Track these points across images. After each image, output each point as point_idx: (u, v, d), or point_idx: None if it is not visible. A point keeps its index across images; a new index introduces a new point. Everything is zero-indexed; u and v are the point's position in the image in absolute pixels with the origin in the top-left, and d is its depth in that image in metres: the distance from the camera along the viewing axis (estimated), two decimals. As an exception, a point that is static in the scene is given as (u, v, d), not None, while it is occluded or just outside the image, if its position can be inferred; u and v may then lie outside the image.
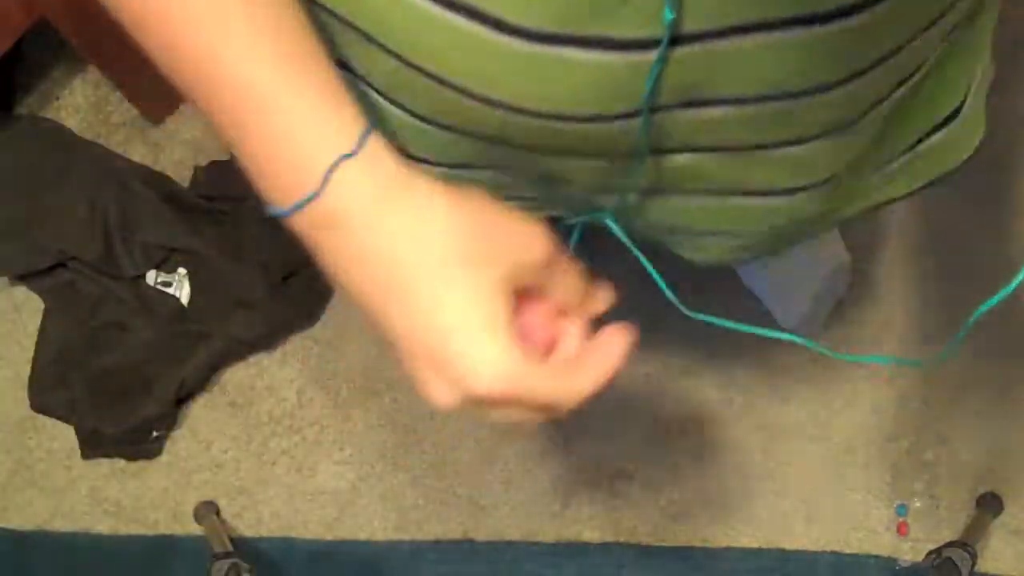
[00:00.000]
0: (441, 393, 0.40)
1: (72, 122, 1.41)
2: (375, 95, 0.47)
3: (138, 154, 1.39)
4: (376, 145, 0.39)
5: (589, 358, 0.42)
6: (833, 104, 0.43)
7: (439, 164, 0.50)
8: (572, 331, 0.44)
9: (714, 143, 0.45)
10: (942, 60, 0.50)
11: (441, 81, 0.42)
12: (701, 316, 0.49)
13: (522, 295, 0.41)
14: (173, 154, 1.40)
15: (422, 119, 0.47)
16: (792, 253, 1.22)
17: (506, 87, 0.40)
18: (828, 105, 0.43)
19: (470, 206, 0.39)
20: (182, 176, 1.37)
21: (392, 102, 0.47)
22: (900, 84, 0.46)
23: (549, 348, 0.43)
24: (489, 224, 0.39)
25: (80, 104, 1.42)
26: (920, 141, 0.55)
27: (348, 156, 0.38)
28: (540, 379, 0.39)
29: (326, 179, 0.39)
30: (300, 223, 0.41)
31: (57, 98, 1.43)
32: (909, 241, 1.32)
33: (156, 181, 1.35)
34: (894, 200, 0.59)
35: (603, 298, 0.45)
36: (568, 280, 0.42)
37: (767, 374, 1.27)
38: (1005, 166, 1.33)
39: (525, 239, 0.40)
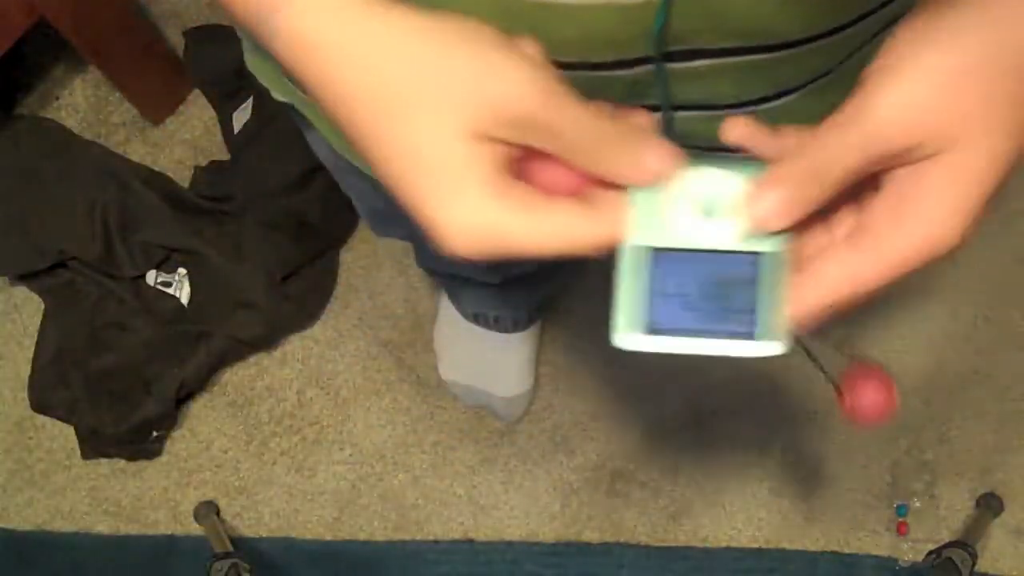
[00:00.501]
0: (441, 250, 0.35)
1: (72, 122, 1.41)
2: None
3: (138, 154, 1.39)
4: None
5: (609, 202, 0.36)
6: (821, 52, 0.42)
7: None
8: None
9: (697, 100, 0.44)
10: None
11: None
12: None
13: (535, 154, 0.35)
14: (173, 154, 1.40)
15: None
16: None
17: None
18: (815, 54, 0.42)
19: (444, 38, 0.33)
20: (182, 176, 1.37)
21: None
22: (889, 25, 0.45)
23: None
24: (464, 60, 0.33)
25: (80, 104, 1.42)
26: None
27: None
28: (532, 233, 0.34)
29: (270, 26, 0.34)
30: (274, 52, 0.36)
31: (57, 98, 1.43)
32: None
33: (156, 181, 1.35)
34: None
35: (640, 158, 0.35)
36: (564, 144, 0.34)
37: (767, 374, 1.27)
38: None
39: (506, 84, 0.33)
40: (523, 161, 0.35)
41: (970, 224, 0.34)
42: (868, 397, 0.41)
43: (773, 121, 0.46)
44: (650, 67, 0.42)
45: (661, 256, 0.36)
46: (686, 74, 0.42)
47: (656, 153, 0.35)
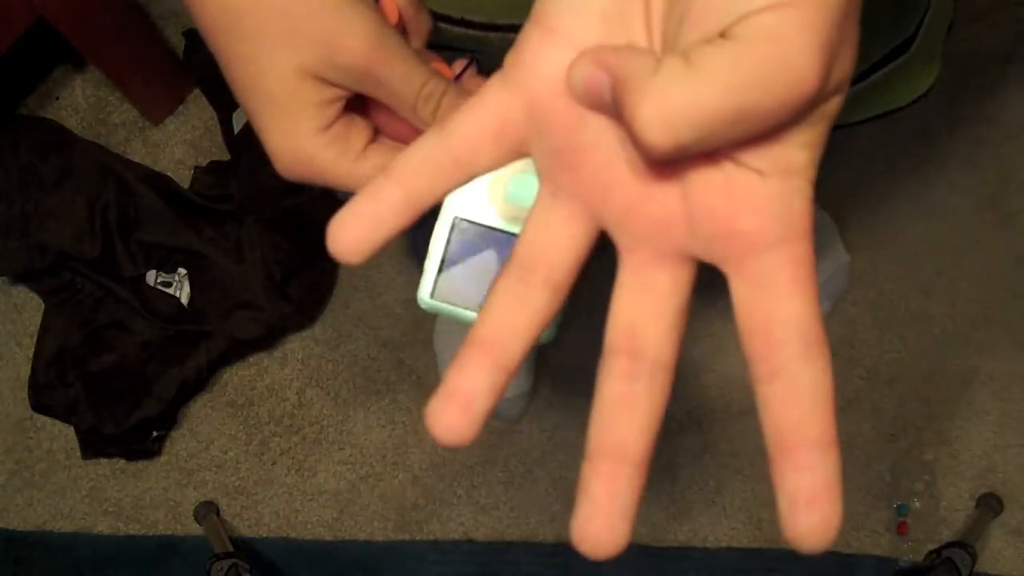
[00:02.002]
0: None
1: (72, 122, 1.41)
2: None
3: (138, 154, 1.39)
4: None
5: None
6: None
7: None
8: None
9: None
10: None
11: None
12: None
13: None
14: (173, 154, 1.40)
15: None
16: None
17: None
18: None
19: None
20: (182, 176, 1.37)
21: None
22: None
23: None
24: (313, 6, 0.35)
25: (80, 104, 1.42)
26: (868, 72, 0.55)
27: None
28: (348, 172, 0.38)
29: None
30: None
31: (57, 98, 1.43)
32: (909, 242, 1.32)
33: (156, 181, 1.35)
34: (838, 128, 0.59)
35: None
36: (397, 99, 0.37)
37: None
38: (1006, 166, 1.33)
39: (343, 34, 0.36)
40: (374, 106, 0.39)
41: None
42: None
43: None
44: None
45: (469, 228, 0.38)
46: None
47: None
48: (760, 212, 0.24)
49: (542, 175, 0.28)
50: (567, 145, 0.26)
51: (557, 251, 0.27)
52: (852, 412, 1.27)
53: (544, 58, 0.26)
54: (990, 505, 1.20)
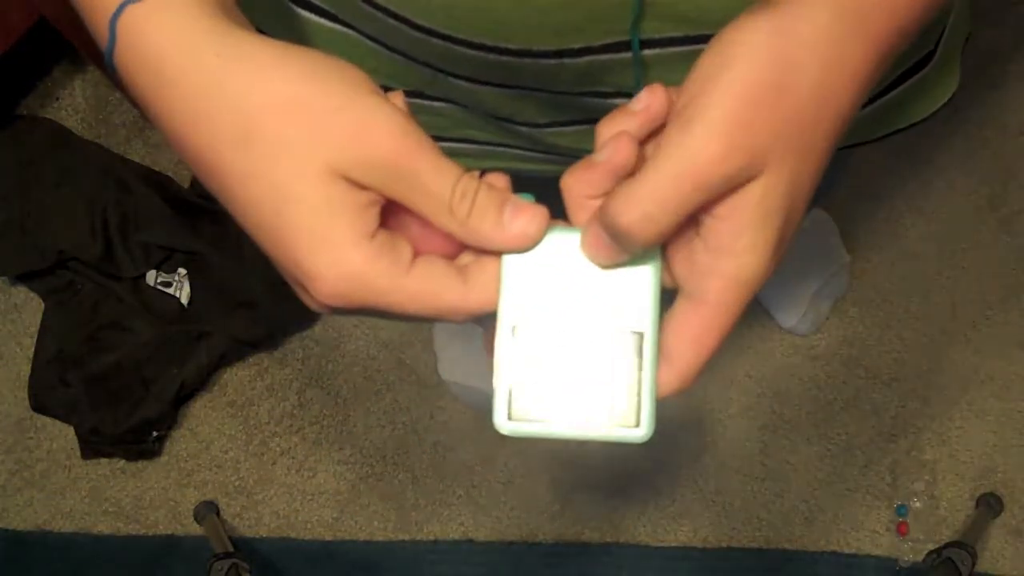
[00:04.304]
0: (305, 298, 0.34)
1: (72, 122, 1.41)
2: (323, 20, 0.47)
3: (138, 154, 1.39)
4: None
5: (480, 266, 0.35)
6: None
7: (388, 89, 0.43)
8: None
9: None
10: None
11: (404, 20, 0.42)
12: None
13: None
14: (173, 154, 1.40)
15: (371, 39, 0.47)
16: (792, 254, 1.22)
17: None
18: None
19: (321, 76, 0.32)
20: (182, 176, 1.37)
21: (339, 22, 0.47)
22: None
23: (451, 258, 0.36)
24: (340, 101, 0.32)
25: (80, 104, 1.42)
26: (889, 88, 0.55)
27: (133, 1, 0.32)
28: (402, 287, 0.33)
29: (113, 26, 0.32)
30: (124, 74, 0.33)
31: (57, 98, 1.43)
32: (908, 241, 1.32)
33: (156, 181, 1.35)
34: (858, 144, 0.58)
35: (504, 223, 0.34)
36: (430, 199, 0.33)
37: (768, 374, 1.27)
38: (1006, 167, 1.34)
39: (377, 129, 0.32)
40: (398, 220, 0.34)
41: (780, 250, 0.34)
42: None
43: None
44: (605, 56, 0.43)
45: (534, 333, 0.34)
46: (650, 60, 0.44)
47: (521, 213, 0.34)
48: None
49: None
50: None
51: None
52: (852, 412, 1.27)
53: None
54: (990, 505, 1.20)
